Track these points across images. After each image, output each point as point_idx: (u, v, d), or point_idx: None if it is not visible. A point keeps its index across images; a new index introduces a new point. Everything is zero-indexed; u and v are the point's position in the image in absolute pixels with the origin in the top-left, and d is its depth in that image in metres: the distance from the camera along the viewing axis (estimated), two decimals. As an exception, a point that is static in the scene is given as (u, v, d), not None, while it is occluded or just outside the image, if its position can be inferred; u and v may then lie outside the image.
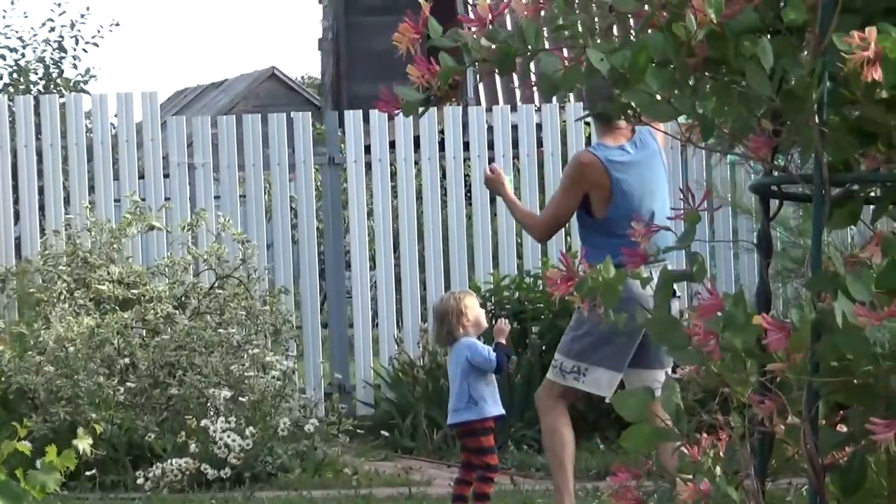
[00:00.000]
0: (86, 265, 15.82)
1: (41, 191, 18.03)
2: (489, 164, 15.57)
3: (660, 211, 11.37)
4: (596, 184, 11.20)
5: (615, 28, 4.72)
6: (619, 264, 10.96)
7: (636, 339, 11.24)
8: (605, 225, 11.22)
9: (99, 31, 36.49)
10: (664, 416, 11.39)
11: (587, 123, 18.72)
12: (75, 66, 33.81)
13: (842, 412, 4.35)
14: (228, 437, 14.25)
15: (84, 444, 8.51)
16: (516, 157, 19.40)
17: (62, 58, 32.94)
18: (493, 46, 4.40)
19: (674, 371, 12.38)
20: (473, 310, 12.56)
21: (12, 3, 39.28)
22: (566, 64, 4.31)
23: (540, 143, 19.94)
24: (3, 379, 9.07)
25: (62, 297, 15.40)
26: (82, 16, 32.52)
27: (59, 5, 30.84)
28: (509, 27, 4.82)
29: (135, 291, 15.53)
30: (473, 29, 4.46)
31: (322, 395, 17.25)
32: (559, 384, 11.53)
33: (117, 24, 39.55)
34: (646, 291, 10.68)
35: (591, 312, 11.16)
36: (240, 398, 14.84)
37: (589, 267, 11.42)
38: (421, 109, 4.67)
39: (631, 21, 4.55)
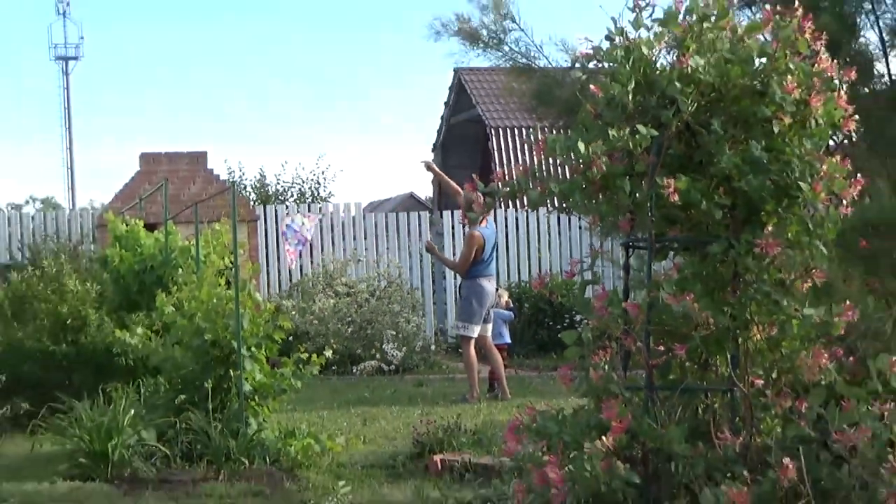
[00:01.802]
0: (330, 277, 15.64)
1: (311, 245, 17.12)
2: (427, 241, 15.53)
3: (493, 254, 11.61)
4: (479, 245, 11.09)
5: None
6: (479, 274, 11.47)
7: (485, 311, 11.30)
8: (479, 260, 11.18)
9: (334, 175, 36.56)
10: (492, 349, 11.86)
11: (560, 218, 17.99)
12: (325, 189, 32.30)
13: (661, 342, 4.34)
14: (393, 351, 14.15)
15: (328, 353, 8.55)
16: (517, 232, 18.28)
17: (318, 187, 31.35)
18: (507, 189, 4.41)
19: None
20: (504, 296, 12.74)
21: (285, 162, 39.10)
22: (540, 192, 4.31)
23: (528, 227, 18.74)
24: (293, 327, 9.06)
25: (319, 290, 15.19)
26: (327, 168, 32.82)
27: (318, 164, 30.82)
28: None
29: (352, 290, 15.30)
30: (499, 180, 4.51)
31: (433, 333, 16.61)
32: (463, 334, 11.38)
33: (342, 171, 39.63)
34: (491, 288, 11.53)
35: (464, 300, 11.70)
36: (399, 335, 14.51)
37: (468, 277, 11.63)
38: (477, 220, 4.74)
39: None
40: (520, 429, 4.39)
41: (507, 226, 17.47)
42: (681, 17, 4.35)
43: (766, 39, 4.42)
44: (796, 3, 4.75)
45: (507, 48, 6.44)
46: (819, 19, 6.22)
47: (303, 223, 16.63)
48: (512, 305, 13.24)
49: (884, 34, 6.54)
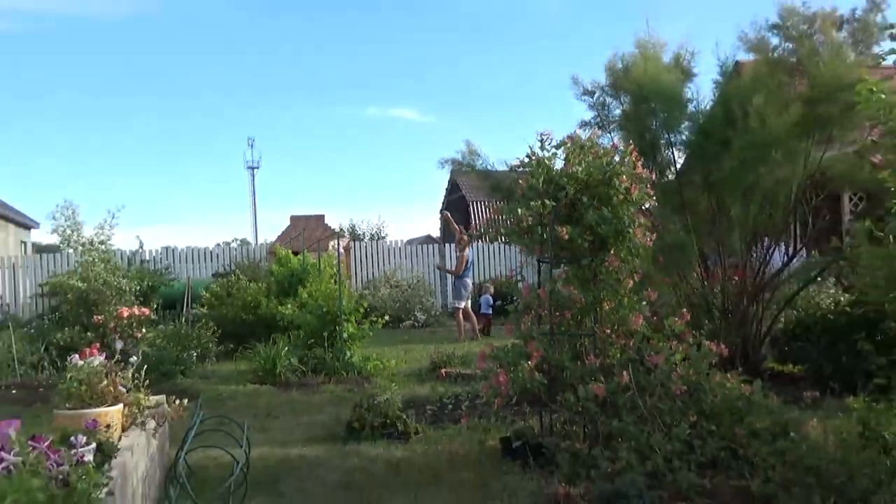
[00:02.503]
0: (388, 277, 14.64)
1: (380, 261, 15.93)
2: (438, 263, 14.14)
3: (471, 265, 10.92)
4: (466, 260, 10.57)
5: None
6: (465, 276, 10.60)
7: (468, 294, 10.75)
8: (465, 269, 10.62)
9: (388, 224, 33.19)
10: (470, 313, 10.71)
11: (505, 247, 15.47)
12: (384, 231, 27.25)
13: (557, 311, 4.36)
14: (420, 316, 13.33)
15: (386, 317, 8.45)
16: (483, 255, 15.95)
17: (380, 230, 26.62)
18: (479, 232, 4.44)
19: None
20: (490, 289, 11.81)
21: (360, 220, 34.74)
22: (494, 233, 4.35)
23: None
24: (368, 304, 8.54)
25: (382, 284, 14.22)
26: (384, 221, 30.26)
27: (379, 218, 28.55)
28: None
29: (399, 284, 14.31)
30: (473, 226, 4.54)
31: (440, 307, 14.76)
32: (456, 307, 10.91)
33: (392, 222, 37.00)
34: (470, 282, 10.76)
35: (456, 289, 10.84)
36: (423, 307, 13.62)
37: (459, 278, 10.74)
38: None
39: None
40: (486, 355, 4.40)
41: (479, 250, 17.13)
42: (569, 143, 4.43)
43: (616, 152, 4.46)
44: (630, 136, 4.81)
45: (476, 168, 6.57)
46: (644, 140, 6.29)
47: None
48: (494, 296, 11.94)
49: (675, 151, 6.59)
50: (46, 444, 1.85)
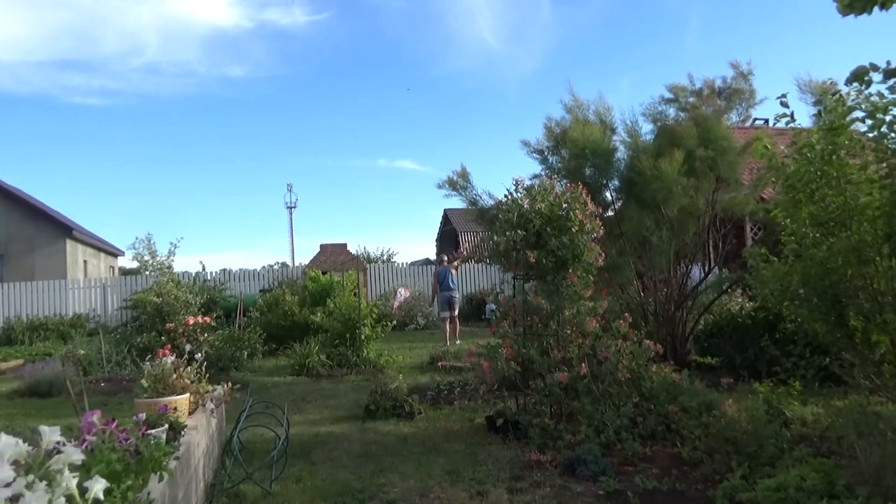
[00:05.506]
0: (395, 291, 13.58)
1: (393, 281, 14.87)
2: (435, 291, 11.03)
3: (454, 284, 9.70)
4: (439, 279, 9.81)
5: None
6: (447, 287, 9.63)
7: (455, 306, 9.77)
8: (443, 286, 9.72)
9: (396, 252, 30.27)
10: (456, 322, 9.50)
11: (488, 267, 13.43)
12: (392, 256, 25.48)
13: (528, 316, 4.29)
14: (421, 321, 12.28)
15: (394, 322, 8.21)
16: (471, 274, 13.94)
17: (390, 256, 24.24)
18: (467, 255, 4.38)
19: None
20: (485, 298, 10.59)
21: (375, 247, 31.37)
22: (479, 256, 4.30)
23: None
24: (380, 312, 7.85)
25: (391, 297, 13.39)
26: (392, 250, 27.72)
27: (388, 247, 24.86)
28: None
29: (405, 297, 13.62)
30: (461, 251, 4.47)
31: (436, 314, 14.51)
32: (442, 316, 9.79)
33: (399, 250, 34.88)
34: (457, 295, 9.74)
35: (435, 302, 9.83)
36: (422, 314, 12.49)
37: (437, 295, 9.63)
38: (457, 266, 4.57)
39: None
40: (473, 352, 4.34)
41: (468, 270, 16.79)
42: (534, 188, 4.42)
43: (569, 193, 4.45)
44: (580, 180, 4.79)
45: (466, 194, 6.42)
46: (587, 186, 6.29)
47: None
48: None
49: (612, 193, 6.59)
50: (114, 425, 1.85)
